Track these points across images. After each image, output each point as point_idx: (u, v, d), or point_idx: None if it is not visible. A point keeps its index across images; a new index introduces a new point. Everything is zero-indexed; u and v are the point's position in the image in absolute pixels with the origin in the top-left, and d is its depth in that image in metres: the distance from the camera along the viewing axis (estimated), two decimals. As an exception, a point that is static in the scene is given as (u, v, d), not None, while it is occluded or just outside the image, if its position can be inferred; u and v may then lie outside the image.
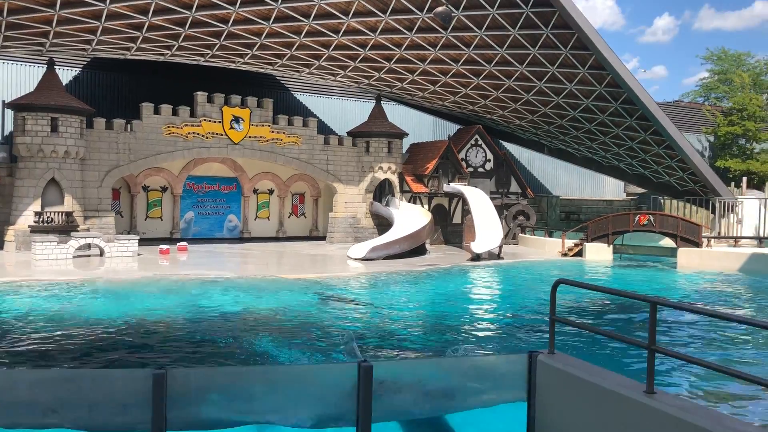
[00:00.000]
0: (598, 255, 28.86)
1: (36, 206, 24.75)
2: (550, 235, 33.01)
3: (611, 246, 29.23)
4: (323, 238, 33.64)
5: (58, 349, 11.66)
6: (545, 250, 31.30)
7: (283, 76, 36.15)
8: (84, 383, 5.79)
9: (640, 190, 42.40)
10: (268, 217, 33.94)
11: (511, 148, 41.98)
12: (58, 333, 12.83)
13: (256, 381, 6.21)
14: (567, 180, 47.31)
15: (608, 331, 6.92)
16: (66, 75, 32.22)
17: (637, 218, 29.02)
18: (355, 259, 25.39)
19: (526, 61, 27.22)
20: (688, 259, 27.43)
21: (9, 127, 28.90)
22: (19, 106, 25.11)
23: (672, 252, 28.73)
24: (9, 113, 28.05)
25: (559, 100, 29.85)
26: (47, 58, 26.38)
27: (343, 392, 6.11)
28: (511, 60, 27.27)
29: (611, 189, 48.57)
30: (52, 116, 24.87)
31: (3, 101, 28.34)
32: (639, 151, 32.71)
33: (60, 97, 25.48)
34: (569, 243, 30.25)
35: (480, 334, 14.44)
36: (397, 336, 13.79)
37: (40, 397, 5.64)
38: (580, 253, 29.46)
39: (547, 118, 32.43)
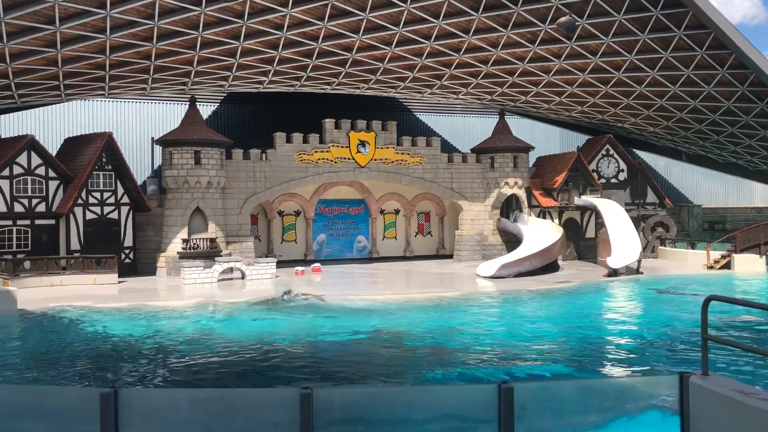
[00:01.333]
0: (749, 267, 26.83)
1: (183, 234, 26.62)
2: (693, 247, 31.10)
3: (764, 257, 27.05)
4: (450, 257, 33.58)
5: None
6: (688, 263, 29.46)
7: (405, 98, 36.71)
8: (237, 402, 6.12)
9: (795, 195, 38.92)
10: (395, 237, 34.42)
11: (646, 156, 40.02)
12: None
13: (395, 401, 6.28)
14: (709, 187, 44.30)
15: (770, 351, 6.39)
16: (206, 110, 34.57)
17: (792, 226, 26.70)
18: (485, 277, 25.13)
19: (658, 66, 25.93)
20: None
21: (157, 161, 31.39)
22: (167, 141, 27.25)
23: (836, 262, 26.16)
24: (157, 149, 30.48)
25: (696, 104, 28.15)
26: (189, 96, 28.46)
27: (483, 414, 6.03)
28: (642, 65, 26.09)
29: (760, 195, 44.87)
30: (195, 150, 26.76)
31: (152, 138, 30.88)
32: (791, 152, 30.13)
33: (201, 131, 27.38)
34: (715, 255, 28.36)
35: (623, 354, 13.82)
36: (534, 356, 13.47)
37: (198, 415, 6.02)
38: (727, 266, 27.51)
39: (683, 123, 30.65)
